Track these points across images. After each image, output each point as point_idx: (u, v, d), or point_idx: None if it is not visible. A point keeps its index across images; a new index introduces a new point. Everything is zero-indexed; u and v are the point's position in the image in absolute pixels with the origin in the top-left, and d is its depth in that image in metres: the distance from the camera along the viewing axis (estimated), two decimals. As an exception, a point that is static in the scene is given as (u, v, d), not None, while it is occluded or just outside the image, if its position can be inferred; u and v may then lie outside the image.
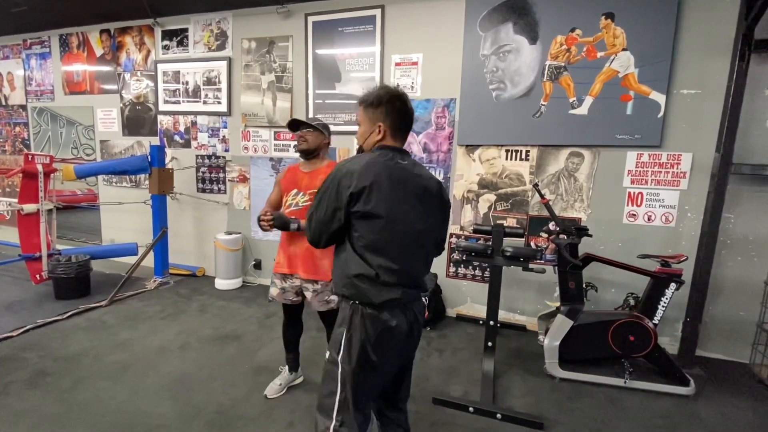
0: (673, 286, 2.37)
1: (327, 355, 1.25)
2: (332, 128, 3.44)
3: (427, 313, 2.96)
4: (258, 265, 4.03)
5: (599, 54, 2.76)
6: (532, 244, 3.10)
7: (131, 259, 3.82)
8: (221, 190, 4.09)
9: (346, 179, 1.14)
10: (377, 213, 1.13)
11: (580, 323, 2.47)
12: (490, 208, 3.22)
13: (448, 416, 2.05)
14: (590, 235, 2.56)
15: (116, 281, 3.59)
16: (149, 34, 4.12)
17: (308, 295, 1.96)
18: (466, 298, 3.38)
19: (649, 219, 2.83)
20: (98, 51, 4.39)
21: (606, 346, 2.43)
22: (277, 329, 2.98)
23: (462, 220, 3.31)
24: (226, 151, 4.00)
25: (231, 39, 3.82)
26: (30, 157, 3.25)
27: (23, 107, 4.95)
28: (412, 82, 3.29)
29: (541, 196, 2.63)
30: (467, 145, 3.20)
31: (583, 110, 2.85)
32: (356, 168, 1.14)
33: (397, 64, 3.32)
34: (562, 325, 2.47)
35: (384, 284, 1.15)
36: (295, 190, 1.97)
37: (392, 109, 1.23)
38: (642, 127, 2.73)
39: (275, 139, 3.78)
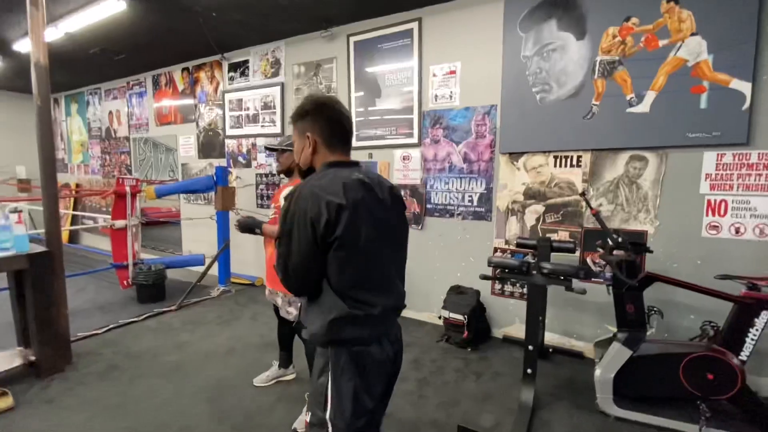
0: (765, 314, 1.91)
1: (308, 418, 1.10)
2: (373, 143, 3.54)
3: (466, 333, 2.81)
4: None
5: (662, 42, 2.41)
6: (588, 260, 2.76)
7: (201, 269, 4.24)
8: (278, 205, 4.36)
9: (314, 208, 0.98)
10: (355, 239, 1.00)
11: (642, 354, 2.11)
12: (538, 220, 2.95)
13: (472, 447, 1.89)
14: (650, 251, 2.20)
15: (187, 288, 4.01)
16: (218, 68, 4.64)
17: (278, 301, 2.09)
18: (515, 318, 3.11)
19: (737, 232, 2.35)
20: (180, 86, 5.06)
21: (676, 384, 2.03)
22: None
23: (507, 234, 3.08)
24: (280, 169, 4.28)
25: (283, 65, 4.12)
26: (121, 180, 3.83)
27: (127, 138, 5.88)
28: (451, 92, 3.20)
29: (590, 206, 2.34)
30: (511, 153, 3.00)
31: (643, 108, 2.49)
32: (320, 193, 0.99)
33: (434, 75, 3.26)
34: (619, 354, 2.13)
35: (371, 317, 1.04)
36: (273, 204, 2.14)
37: (319, 116, 1.11)
38: (722, 122, 2.30)
39: (322, 155, 3.94)
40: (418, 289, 3.54)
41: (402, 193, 1.25)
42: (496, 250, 3.14)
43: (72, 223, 6.62)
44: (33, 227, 6.92)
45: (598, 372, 2.15)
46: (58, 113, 7.06)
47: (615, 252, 2.22)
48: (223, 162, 4.71)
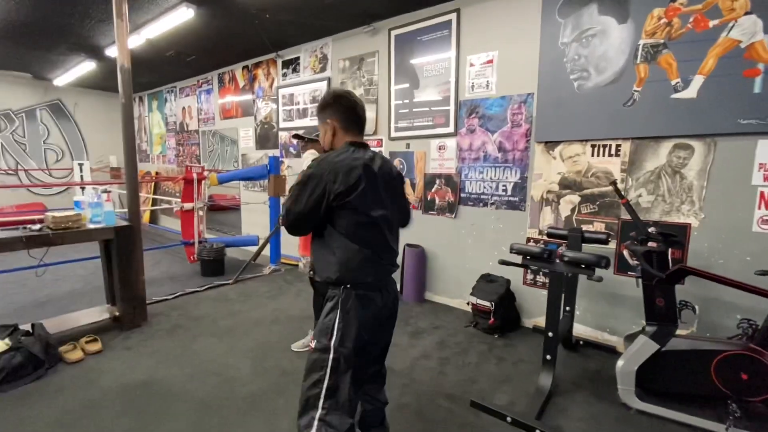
0: (811, 314, 1.77)
1: (313, 344, 1.27)
2: (411, 133, 3.66)
3: (493, 320, 2.87)
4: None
5: (712, 23, 2.25)
6: (625, 253, 2.67)
7: (255, 249, 4.69)
8: (321, 192, 4.67)
9: (330, 175, 1.20)
10: (363, 207, 1.24)
11: (671, 349, 2.05)
12: (573, 210, 2.90)
13: (481, 422, 1.99)
14: (680, 243, 2.10)
15: (242, 265, 4.46)
16: (273, 66, 5.02)
17: (300, 265, 2.43)
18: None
19: (795, 227, 2.15)
20: (241, 83, 5.54)
21: (706, 382, 1.96)
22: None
23: (541, 224, 3.06)
24: (326, 158, 4.56)
25: (330, 61, 4.36)
26: (189, 168, 4.35)
27: (197, 131, 6.56)
28: (487, 81, 3.22)
29: (620, 195, 2.29)
30: (546, 142, 2.96)
31: (690, 93, 2.35)
32: (338, 166, 1.22)
33: (471, 64, 3.29)
34: (645, 347, 2.09)
35: (373, 265, 1.28)
36: None
37: (339, 106, 1.34)
38: (780, 107, 2.11)
39: (363, 146, 4.15)
40: (450, 276, 3.63)
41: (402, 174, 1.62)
42: (529, 240, 3.13)
43: (153, 206, 7.55)
44: (122, 207, 8.02)
45: (620, 363, 2.12)
46: (142, 110, 8.04)
47: (649, 244, 2.16)
48: (276, 152, 5.12)
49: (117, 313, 3.00)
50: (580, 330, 2.94)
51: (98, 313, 3.03)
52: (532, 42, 2.94)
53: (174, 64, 5.56)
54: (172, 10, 3.64)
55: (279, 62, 4.93)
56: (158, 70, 6.02)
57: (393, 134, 3.88)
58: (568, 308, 2.71)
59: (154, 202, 7.58)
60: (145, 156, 8.14)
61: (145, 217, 7.49)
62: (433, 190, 3.66)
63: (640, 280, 2.16)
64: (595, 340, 2.85)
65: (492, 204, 3.30)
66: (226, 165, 6.06)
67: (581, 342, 2.82)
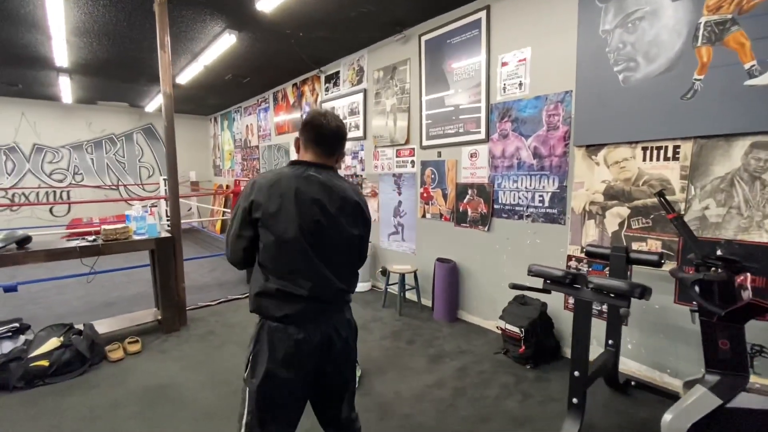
0: None
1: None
2: (442, 141, 3.47)
3: (523, 348, 2.55)
4: (384, 272, 4.35)
5: (800, -16, 1.74)
6: (681, 277, 2.17)
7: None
8: (359, 204, 4.66)
9: (249, 190, 1.17)
10: (274, 229, 1.13)
11: (738, 406, 1.59)
12: (621, 225, 2.46)
13: (482, 469, 1.73)
14: (748, 268, 1.62)
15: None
16: (317, 81, 5.18)
17: None
18: (592, 339, 2.65)
19: None
20: (291, 100, 5.82)
21: (789, 457, 1.47)
22: (376, 332, 3.20)
23: (583, 239, 2.65)
24: (362, 170, 4.55)
25: (366, 72, 4.36)
26: (237, 182, 4.64)
27: (257, 147, 7.05)
28: (520, 81, 2.91)
29: (669, 209, 1.87)
30: (588, 146, 2.57)
31: (771, 77, 1.84)
32: (262, 181, 1.17)
33: (503, 64, 3.01)
34: (702, 401, 1.65)
35: (285, 298, 1.15)
36: None
37: (309, 126, 1.25)
38: None
39: (396, 156, 4.05)
40: (484, 295, 3.33)
41: (362, 203, 1.31)
42: (570, 258, 2.73)
43: (223, 216, 8.26)
44: (198, 216, 8.92)
45: (668, 417, 1.70)
46: (216, 129, 8.91)
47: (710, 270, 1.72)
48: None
49: (159, 317, 3.26)
50: (632, 368, 2.47)
51: (144, 316, 3.34)
52: (568, 33, 2.59)
53: (233, 86, 6.05)
54: (218, 37, 3.94)
55: (322, 78, 5.07)
56: (222, 93, 6.61)
57: (425, 143, 3.72)
58: (611, 341, 2.29)
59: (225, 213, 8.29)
60: (219, 171, 8.98)
61: (217, 227, 8.22)
62: (465, 200, 3.41)
63: (696, 315, 1.73)
64: (651, 381, 2.36)
65: (527, 216, 2.96)
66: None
67: (633, 383, 2.36)
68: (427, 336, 3.15)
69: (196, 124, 9.18)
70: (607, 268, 2.49)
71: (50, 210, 7.74)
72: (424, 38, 3.61)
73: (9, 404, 2.25)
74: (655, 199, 2.29)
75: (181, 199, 3.89)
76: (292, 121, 5.84)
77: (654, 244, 2.32)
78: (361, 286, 4.33)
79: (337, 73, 4.78)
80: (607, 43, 2.40)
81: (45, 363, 2.50)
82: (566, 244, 2.75)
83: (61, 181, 7.78)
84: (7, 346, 2.59)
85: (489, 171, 3.19)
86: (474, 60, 3.21)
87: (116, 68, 5.11)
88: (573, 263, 2.71)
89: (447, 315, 3.48)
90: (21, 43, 4.05)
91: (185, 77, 5.34)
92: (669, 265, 2.22)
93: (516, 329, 2.65)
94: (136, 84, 6.12)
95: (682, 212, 2.17)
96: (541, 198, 2.87)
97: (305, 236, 1.15)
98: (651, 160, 2.30)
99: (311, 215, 1.16)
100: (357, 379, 2.22)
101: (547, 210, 2.83)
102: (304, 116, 1.34)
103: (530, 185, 2.92)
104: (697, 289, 1.66)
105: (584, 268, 2.66)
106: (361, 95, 4.40)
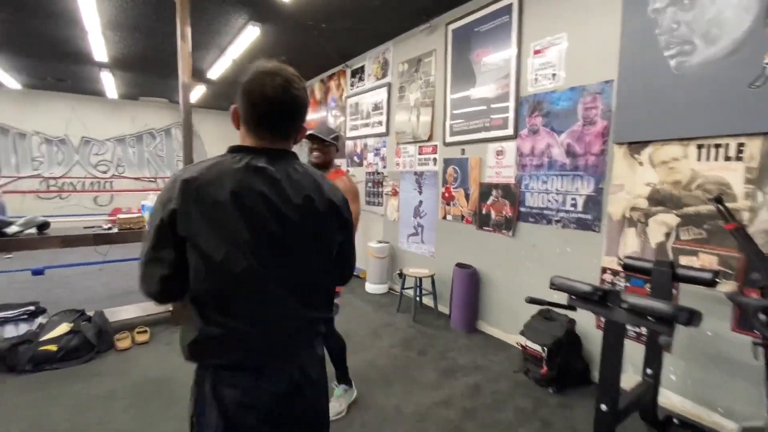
0: None
1: None
2: (466, 137, 3.23)
3: (545, 369, 2.27)
4: (401, 275, 4.15)
5: None
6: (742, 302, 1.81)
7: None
8: (380, 202, 4.49)
9: (169, 194, 0.81)
10: (209, 249, 0.80)
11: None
12: (668, 236, 2.12)
13: None
14: None
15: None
16: (343, 76, 5.07)
17: None
18: (627, 365, 2.32)
19: None
20: (318, 96, 5.76)
21: None
22: (386, 339, 3.01)
23: (620, 251, 2.32)
24: (384, 167, 4.37)
25: (391, 65, 4.18)
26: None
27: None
28: (554, 71, 2.62)
29: (728, 218, 1.54)
30: (630, 143, 2.24)
31: None
32: (189, 178, 0.81)
33: (536, 52, 2.73)
34: (765, 458, 1.33)
35: (233, 342, 0.85)
36: None
37: (249, 94, 0.86)
38: None
39: (419, 153, 3.84)
40: (506, 306, 3.04)
41: (341, 200, 0.99)
42: (604, 270, 2.41)
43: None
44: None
45: (718, 474, 1.39)
46: (249, 126, 9.07)
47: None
48: (343, 161, 5.13)
49: (171, 308, 3.26)
50: (675, 402, 2.12)
51: (154, 306, 3.34)
52: (610, 15, 2.28)
53: (264, 82, 6.08)
54: (243, 30, 3.91)
55: (348, 72, 4.96)
56: (254, 89, 6.66)
57: (448, 139, 3.48)
58: (650, 370, 1.96)
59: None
60: (250, 166, 9.14)
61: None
62: (488, 202, 3.14)
63: (760, 349, 1.41)
64: (697, 420, 2.01)
65: (557, 222, 2.65)
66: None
67: (675, 420, 2.01)
68: (440, 346, 2.92)
69: (229, 119, 9.38)
70: (649, 285, 2.15)
71: (94, 199, 8.19)
72: (450, 27, 3.38)
73: (13, 387, 2.27)
74: (710, 206, 1.93)
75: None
76: (319, 119, 5.77)
77: (708, 260, 1.96)
78: (378, 288, 4.15)
79: (363, 67, 4.64)
80: (657, 23, 2.07)
81: (53, 348, 2.52)
82: (601, 255, 2.42)
83: (105, 172, 8.22)
84: (22, 328, 2.65)
85: (516, 170, 2.91)
86: (503, 47, 2.94)
87: (151, 63, 5.26)
88: (608, 276, 2.39)
89: (464, 325, 3.22)
90: (61, 38, 4.24)
91: (216, 72, 5.42)
92: (726, 286, 1.86)
93: (538, 347, 2.37)
94: (171, 79, 6.29)
95: (745, 223, 1.81)
96: (573, 201, 2.56)
97: (256, 256, 0.83)
98: (707, 160, 1.95)
99: (263, 225, 0.84)
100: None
101: (580, 215, 2.52)
102: (244, 79, 0.87)
103: (562, 187, 2.61)
104: (763, 317, 1.34)
105: (621, 283, 2.33)
106: (385, 90, 4.23)
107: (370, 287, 4.20)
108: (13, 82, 6.36)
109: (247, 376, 0.87)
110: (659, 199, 2.14)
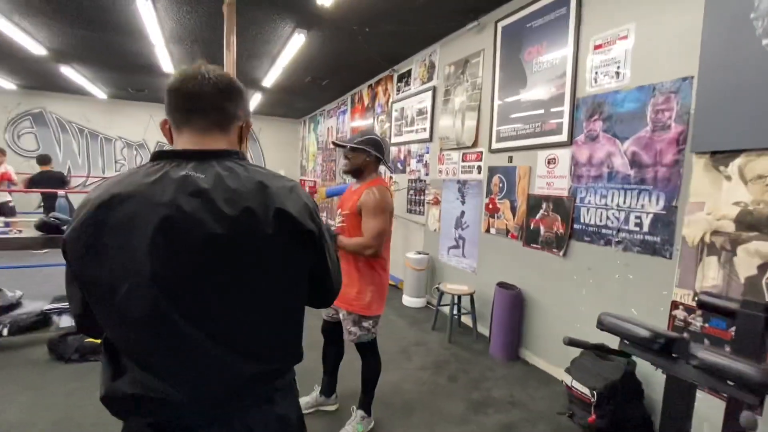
0: None
1: None
2: (514, 143, 2.94)
3: (594, 416, 1.95)
4: (439, 290, 3.90)
5: None
6: None
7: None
8: (421, 211, 4.29)
9: (73, 219, 0.69)
10: (99, 286, 0.67)
11: None
12: (762, 268, 1.68)
13: None
14: None
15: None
16: (390, 81, 4.96)
17: (341, 318, 1.91)
18: (702, 423, 1.88)
19: None
20: (366, 102, 5.72)
21: None
22: (416, 360, 2.82)
23: (697, 283, 1.90)
24: (426, 175, 4.17)
25: (437, 68, 3.99)
26: (302, 182, 4.66)
27: (334, 149, 7.14)
28: (618, 68, 2.26)
29: None
30: (713, 152, 1.83)
31: None
32: (96, 201, 0.67)
33: (596, 48, 2.38)
34: None
35: (149, 404, 0.69)
36: (339, 210, 1.88)
37: (169, 87, 0.76)
38: None
39: (462, 160, 3.59)
40: (554, 334, 2.69)
41: (308, 209, 0.77)
42: (675, 305, 2.00)
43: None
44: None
45: None
46: (304, 131, 9.35)
47: None
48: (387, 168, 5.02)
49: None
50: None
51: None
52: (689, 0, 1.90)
53: (315, 89, 6.19)
54: (290, 38, 3.97)
55: (395, 77, 4.84)
56: (307, 96, 6.83)
57: (494, 145, 3.20)
58: (733, 440, 1.55)
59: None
60: (304, 171, 9.41)
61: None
62: (537, 216, 2.81)
63: None
64: None
65: (618, 243, 2.27)
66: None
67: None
68: (475, 374, 2.65)
69: (287, 127, 9.78)
70: (733, 329, 1.73)
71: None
72: (500, 24, 3.11)
73: (60, 374, 2.43)
74: (828, 236, 1.49)
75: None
76: (366, 125, 5.73)
77: (822, 304, 1.51)
78: (414, 302, 3.95)
79: (409, 71, 4.50)
80: (753, 6, 1.67)
81: (98, 340, 2.67)
82: (672, 286, 2.01)
83: (175, 174, 8.96)
84: (67, 321, 2.86)
85: (570, 182, 2.56)
86: (559, 45, 2.62)
87: (212, 73, 5.58)
88: (680, 313, 1.97)
89: (505, 351, 2.91)
90: (135, 52, 4.64)
91: (269, 80, 5.61)
92: None
93: (586, 390, 2.02)
94: (232, 88, 6.66)
95: None
96: (638, 220, 2.17)
97: (166, 295, 0.65)
98: (824, 174, 1.51)
99: (175, 252, 0.65)
100: None
101: (646, 237, 2.13)
102: (168, 80, 0.78)
103: (624, 202, 2.24)
104: None
105: (698, 323, 1.91)
106: (429, 93, 4.04)
107: (407, 300, 4.01)
108: (100, 93, 7.16)
109: None
110: (752, 223, 1.71)
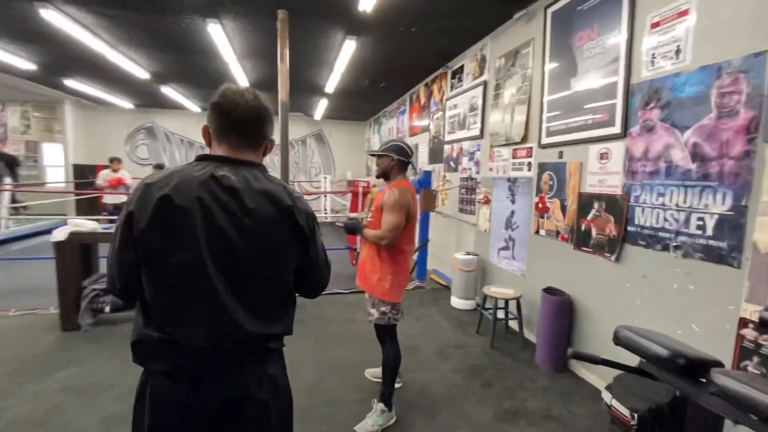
0: None
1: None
2: (564, 138, 2.76)
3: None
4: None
5: None
6: None
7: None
8: (472, 211, 4.17)
9: (132, 195, 0.90)
10: (159, 253, 0.86)
11: None
12: None
13: None
14: None
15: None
16: (444, 78, 4.89)
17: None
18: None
19: None
20: (422, 100, 5.71)
21: None
22: (451, 362, 2.81)
23: (773, 298, 1.59)
24: (477, 173, 4.04)
25: (488, 62, 3.84)
26: (356, 182, 4.85)
27: (395, 149, 7.24)
28: (677, 47, 1.97)
29: None
30: (795, 142, 1.52)
31: None
32: (150, 182, 0.88)
33: (653, 26, 2.10)
34: None
35: (170, 348, 0.87)
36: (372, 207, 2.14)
37: (219, 107, 0.95)
38: None
39: (513, 157, 3.41)
40: (605, 346, 2.44)
41: (305, 208, 0.98)
42: (744, 323, 1.69)
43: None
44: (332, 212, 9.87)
45: None
46: (369, 133, 9.63)
47: None
48: (440, 166, 4.96)
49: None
50: None
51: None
52: (766, -44, 1.58)
53: (375, 92, 6.36)
54: (342, 45, 4.16)
55: (448, 74, 4.77)
56: (367, 99, 7.05)
57: (544, 140, 2.99)
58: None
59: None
60: (369, 171, 9.70)
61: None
62: (589, 217, 2.57)
63: None
64: None
65: (677, 248, 1.99)
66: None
67: None
68: (512, 382, 2.53)
69: (354, 129, 10.18)
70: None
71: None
72: (550, 10, 2.89)
73: (83, 337, 2.97)
74: None
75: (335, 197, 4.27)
76: (422, 122, 5.73)
77: None
78: (463, 304, 3.86)
79: (462, 67, 4.39)
80: None
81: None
82: (740, 300, 1.71)
83: (255, 176, 9.90)
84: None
85: (624, 178, 2.30)
86: (612, 27, 2.36)
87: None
88: (750, 332, 1.67)
89: (551, 361, 2.72)
90: (212, 69, 5.26)
91: (330, 86, 5.92)
92: None
93: (626, 412, 1.81)
94: (302, 96, 7.16)
95: None
96: (700, 222, 1.87)
97: (203, 253, 0.86)
98: None
99: (215, 230, 0.87)
100: None
101: (710, 242, 1.83)
102: (214, 98, 0.96)
103: (684, 202, 1.95)
104: None
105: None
106: (480, 89, 3.90)
107: (455, 301, 3.94)
108: (194, 107, 8.23)
109: (181, 388, 0.88)
110: None
